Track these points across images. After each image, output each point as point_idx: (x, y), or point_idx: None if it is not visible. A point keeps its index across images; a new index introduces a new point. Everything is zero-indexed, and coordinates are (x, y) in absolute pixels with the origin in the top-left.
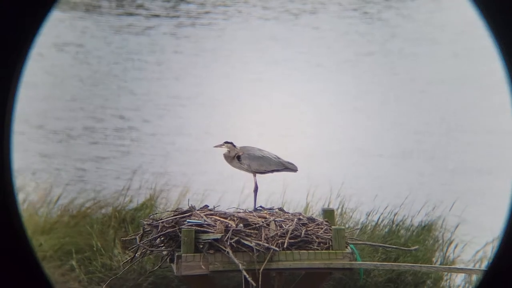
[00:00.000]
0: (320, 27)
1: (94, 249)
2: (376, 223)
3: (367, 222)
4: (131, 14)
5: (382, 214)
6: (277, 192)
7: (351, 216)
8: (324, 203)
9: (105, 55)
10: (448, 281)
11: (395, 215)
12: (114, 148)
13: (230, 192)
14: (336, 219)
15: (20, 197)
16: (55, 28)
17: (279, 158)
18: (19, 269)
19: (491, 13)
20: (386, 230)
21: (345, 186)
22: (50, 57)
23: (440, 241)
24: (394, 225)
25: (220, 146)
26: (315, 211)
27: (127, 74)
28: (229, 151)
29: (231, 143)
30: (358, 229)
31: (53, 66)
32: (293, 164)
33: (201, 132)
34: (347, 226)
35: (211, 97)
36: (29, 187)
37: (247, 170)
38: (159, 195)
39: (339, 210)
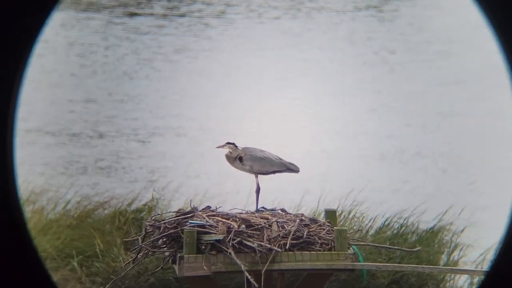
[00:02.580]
0: (333, 27)
1: (96, 250)
2: (383, 225)
3: (373, 224)
4: (141, 15)
5: (386, 216)
6: (280, 193)
7: (358, 218)
8: (329, 204)
9: (125, 55)
10: (451, 282)
11: (385, 216)
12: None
13: (233, 194)
14: (339, 221)
15: (28, 196)
16: (74, 29)
17: (281, 159)
18: (22, 269)
19: (492, 11)
20: (390, 232)
21: (349, 188)
22: (74, 57)
23: (444, 243)
24: (399, 228)
25: (222, 147)
26: (316, 211)
27: (155, 74)
28: (231, 152)
29: (233, 144)
30: (359, 230)
31: (80, 66)
32: (294, 165)
33: (203, 131)
34: (354, 227)
35: (218, 96)
36: (41, 188)
37: (249, 171)
38: (161, 196)
39: (341, 210)
